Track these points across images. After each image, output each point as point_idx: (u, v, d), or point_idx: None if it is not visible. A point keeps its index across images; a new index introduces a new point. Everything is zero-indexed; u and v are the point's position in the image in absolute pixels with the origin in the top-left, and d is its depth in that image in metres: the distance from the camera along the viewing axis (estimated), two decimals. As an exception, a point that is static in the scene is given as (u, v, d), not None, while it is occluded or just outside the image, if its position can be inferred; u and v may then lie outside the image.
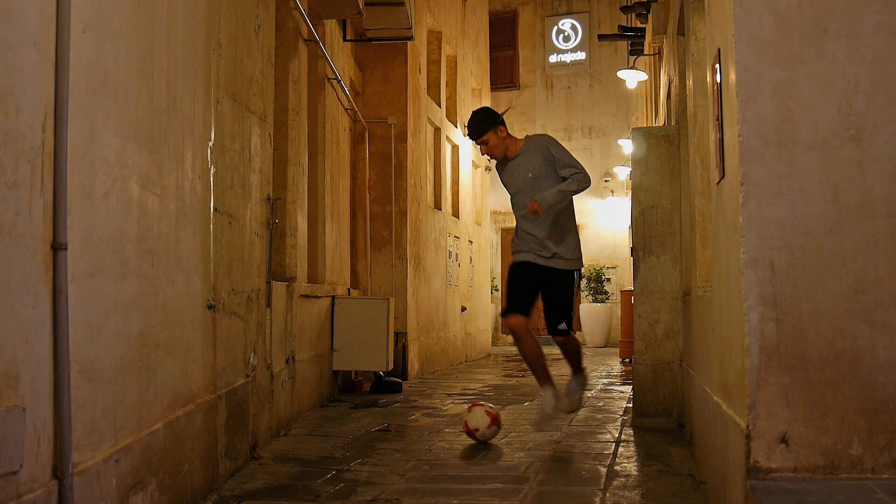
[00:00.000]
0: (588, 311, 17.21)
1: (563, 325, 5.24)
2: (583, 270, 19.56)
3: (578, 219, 18.59)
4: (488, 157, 5.41)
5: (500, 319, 19.30)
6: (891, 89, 2.49)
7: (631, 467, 4.44)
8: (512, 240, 5.38)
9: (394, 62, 9.44)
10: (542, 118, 18.72)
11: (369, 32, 8.59)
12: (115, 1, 2.81)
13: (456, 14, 12.75)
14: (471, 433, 5.10)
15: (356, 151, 9.17)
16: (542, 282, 5.22)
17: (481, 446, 5.07)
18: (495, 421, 5.11)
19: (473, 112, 5.40)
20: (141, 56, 3.02)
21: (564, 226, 5.22)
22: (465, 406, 5.59)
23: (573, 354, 5.44)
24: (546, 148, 5.20)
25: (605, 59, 18.38)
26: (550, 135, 5.49)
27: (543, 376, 5.21)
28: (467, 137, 5.38)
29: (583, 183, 5.13)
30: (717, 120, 3.05)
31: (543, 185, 5.12)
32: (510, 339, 20.06)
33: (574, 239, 5.27)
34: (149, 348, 3.07)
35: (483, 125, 5.21)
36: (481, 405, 5.23)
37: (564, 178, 5.14)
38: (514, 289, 5.21)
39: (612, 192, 17.94)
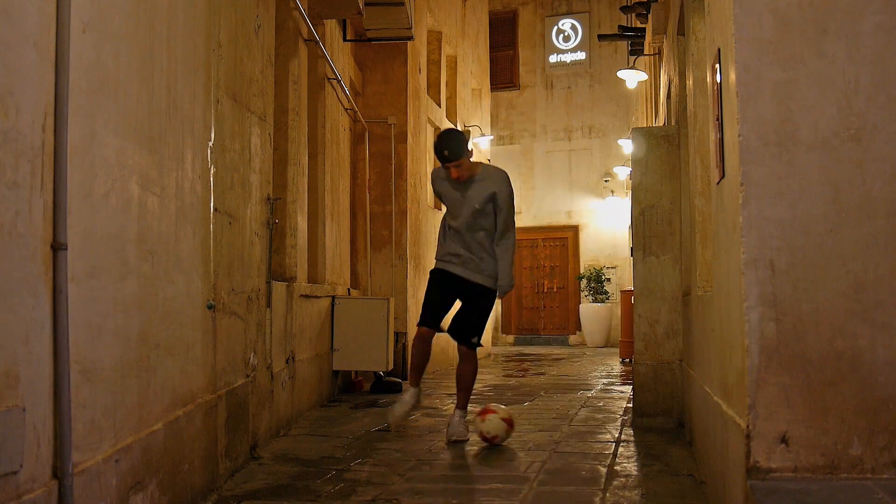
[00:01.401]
0: (588, 311, 17.21)
1: (475, 339, 5.38)
2: (582, 271, 19.24)
3: (577, 220, 18.39)
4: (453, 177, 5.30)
5: (499, 320, 19.28)
6: (891, 89, 2.49)
7: (631, 467, 4.44)
8: (438, 247, 5.49)
9: (394, 62, 9.44)
10: (542, 118, 18.73)
11: (369, 32, 8.59)
12: (115, 1, 2.81)
13: (456, 14, 12.75)
14: (490, 440, 5.08)
15: (356, 151, 9.17)
16: (459, 292, 5.38)
17: (481, 447, 5.06)
18: (511, 424, 5.14)
19: (449, 132, 5.40)
20: (141, 56, 3.02)
21: (488, 250, 5.33)
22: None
23: (468, 376, 5.42)
24: (499, 191, 5.27)
25: (605, 59, 18.38)
26: (507, 173, 5.50)
27: (416, 378, 5.40)
28: (442, 158, 5.25)
29: (513, 249, 5.42)
30: (717, 120, 3.05)
31: (480, 223, 5.28)
32: (510, 339, 19.83)
33: (490, 258, 5.35)
34: (149, 348, 3.07)
35: (462, 147, 5.24)
36: (493, 411, 5.16)
37: (497, 228, 5.32)
38: (430, 299, 5.38)
39: (612, 192, 17.93)
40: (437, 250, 5.50)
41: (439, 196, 5.51)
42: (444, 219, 5.51)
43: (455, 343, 5.47)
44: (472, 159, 5.38)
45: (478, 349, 5.44)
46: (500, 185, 5.30)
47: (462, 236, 5.31)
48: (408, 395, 5.42)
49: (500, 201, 5.28)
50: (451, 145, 5.24)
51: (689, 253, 5.16)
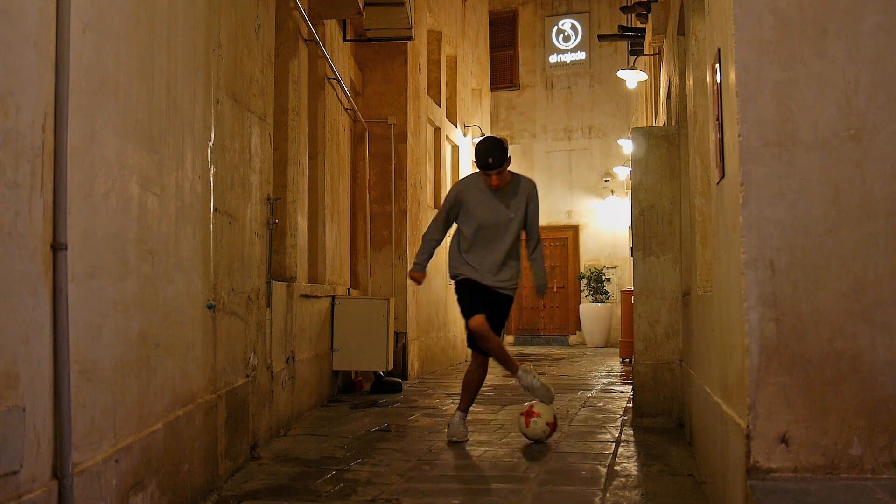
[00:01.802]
0: (588, 311, 17.21)
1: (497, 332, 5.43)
2: (582, 270, 19.25)
3: (577, 220, 18.44)
4: (494, 185, 5.29)
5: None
6: (891, 89, 2.49)
7: (631, 467, 4.44)
8: (450, 260, 5.47)
9: (394, 62, 9.44)
10: (542, 118, 18.73)
11: (369, 32, 8.59)
12: (115, 1, 2.81)
13: (456, 14, 12.75)
14: (529, 413, 5.17)
15: (356, 151, 9.17)
16: (485, 296, 5.34)
17: (480, 447, 5.06)
18: (553, 426, 5.20)
19: (492, 139, 5.33)
20: (141, 56, 3.02)
21: (511, 256, 5.36)
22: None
23: (478, 380, 5.48)
24: (530, 199, 5.36)
25: (605, 59, 18.38)
26: (534, 182, 5.56)
27: (513, 363, 5.46)
28: (485, 165, 5.21)
29: (543, 254, 5.55)
30: (717, 120, 3.05)
31: (512, 230, 5.31)
32: (510, 339, 19.79)
33: (517, 266, 5.41)
34: (149, 348, 3.07)
35: (505, 154, 5.21)
36: (538, 414, 5.18)
37: (530, 236, 5.43)
38: (468, 299, 5.34)
39: (612, 192, 17.94)
40: (454, 262, 5.43)
41: (459, 205, 5.39)
42: (458, 231, 5.43)
43: (465, 348, 5.52)
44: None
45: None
46: (533, 193, 5.39)
47: (490, 244, 5.30)
48: (525, 375, 5.39)
49: (531, 210, 5.36)
50: (495, 152, 5.20)
51: (689, 253, 5.16)
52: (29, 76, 2.22)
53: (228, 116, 4.19)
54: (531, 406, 5.22)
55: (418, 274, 5.68)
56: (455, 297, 5.53)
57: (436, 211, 11.13)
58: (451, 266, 5.49)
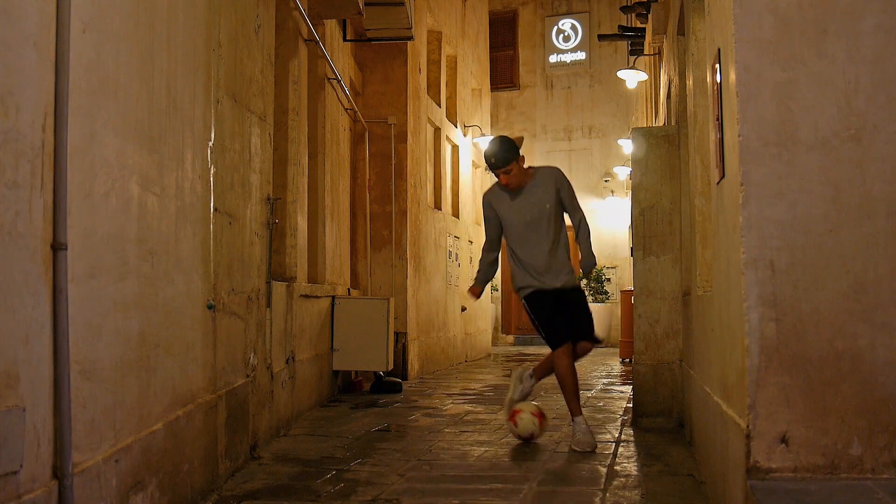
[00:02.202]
0: (588, 311, 17.18)
1: (596, 334, 5.36)
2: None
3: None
4: (506, 186, 5.23)
5: (499, 320, 19.26)
6: (891, 89, 2.49)
7: (631, 467, 4.44)
8: (513, 275, 5.35)
9: (394, 62, 9.44)
10: (542, 118, 18.73)
11: (369, 32, 8.59)
12: (115, 1, 2.81)
13: (456, 14, 12.75)
14: (527, 439, 5.14)
15: (356, 151, 9.17)
16: (560, 301, 5.23)
17: (480, 447, 5.06)
18: (542, 416, 5.19)
19: (498, 140, 5.28)
20: (141, 56, 3.02)
21: (559, 245, 5.28)
22: (463, 406, 5.54)
23: (574, 375, 5.26)
24: (559, 183, 5.27)
25: (605, 59, 18.38)
26: (558, 168, 5.48)
27: (577, 403, 5.16)
28: (490, 167, 5.19)
29: (588, 230, 5.41)
30: (717, 120, 3.05)
31: (551, 222, 5.21)
32: (510, 339, 19.75)
33: (566, 253, 5.32)
34: (149, 348, 3.07)
35: (509, 154, 5.13)
36: (519, 410, 5.17)
37: (572, 219, 5.35)
38: (550, 320, 5.17)
39: (612, 192, 17.94)
40: (518, 276, 5.27)
41: (496, 216, 5.30)
42: (510, 246, 5.31)
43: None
44: (524, 165, 5.25)
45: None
46: (561, 179, 5.30)
47: (540, 245, 5.19)
48: (579, 427, 5.02)
49: (564, 195, 5.27)
50: (499, 153, 5.14)
51: (689, 253, 5.16)
52: (29, 76, 2.22)
53: (228, 116, 4.19)
54: (513, 408, 5.27)
55: (476, 288, 5.63)
56: (529, 312, 5.30)
57: (436, 211, 11.18)
58: (513, 280, 5.35)
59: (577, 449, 4.92)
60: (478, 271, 5.63)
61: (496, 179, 5.30)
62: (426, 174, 10.69)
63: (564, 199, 5.29)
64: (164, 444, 3.19)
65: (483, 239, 5.56)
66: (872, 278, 2.47)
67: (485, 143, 14.60)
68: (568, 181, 5.37)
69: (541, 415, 5.19)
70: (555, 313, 5.17)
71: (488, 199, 5.37)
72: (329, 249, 7.54)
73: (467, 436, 5.47)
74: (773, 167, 2.52)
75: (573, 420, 5.05)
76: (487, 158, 5.19)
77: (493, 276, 5.70)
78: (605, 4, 18.57)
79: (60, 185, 2.35)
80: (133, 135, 2.92)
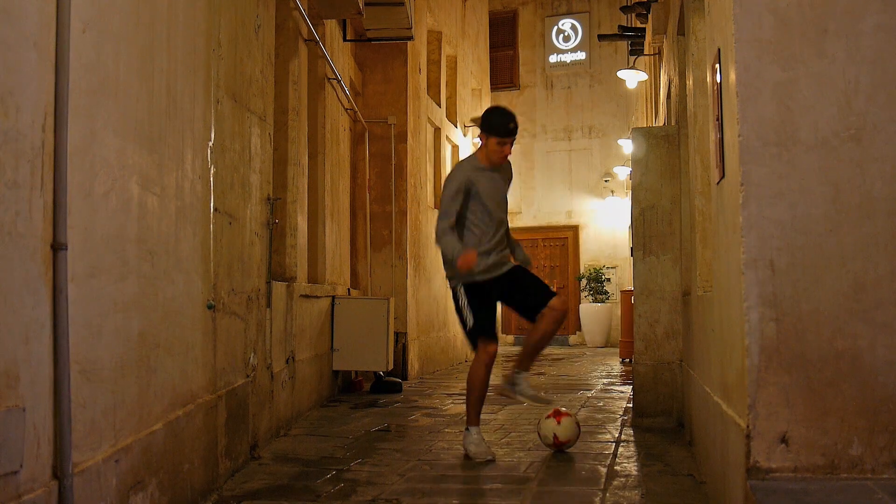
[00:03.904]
0: (588, 311, 17.20)
1: (552, 293, 4.93)
2: (582, 270, 19.05)
3: (577, 219, 18.29)
4: (498, 158, 4.95)
5: (499, 320, 19.31)
6: (891, 89, 2.49)
7: (631, 467, 4.44)
8: (452, 254, 4.78)
9: (394, 62, 9.44)
10: (542, 118, 18.73)
11: (369, 32, 8.59)
12: (115, 1, 2.81)
13: (456, 14, 12.75)
14: (559, 444, 4.83)
15: (356, 151, 9.17)
16: (502, 287, 4.93)
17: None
18: (579, 429, 4.95)
19: (505, 109, 5.11)
20: (141, 56, 3.02)
21: (506, 233, 5.04)
22: (463, 406, 5.43)
23: (548, 336, 4.94)
24: (511, 177, 5.18)
25: (605, 59, 18.38)
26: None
27: (477, 414, 4.84)
28: (506, 132, 4.90)
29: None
30: (717, 120, 3.05)
31: (504, 208, 5.04)
32: (510, 339, 19.68)
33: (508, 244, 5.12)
34: (149, 348, 3.07)
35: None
36: (567, 414, 4.90)
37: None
38: (483, 314, 4.83)
39: (612, 192, 17.93)
40: (469, 262, 4.69)
41: (467, 193, 4.86)
42: (468, 226, 4.89)
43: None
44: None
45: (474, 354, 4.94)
46: (511, 173, 5.18)
47: (496, 230, 4.91)
48: (473, 439, 4.73)
49: (508, 188, 5.12)
50: (515, 119, 4.97)
51: (689, 253, 5.16)
52: (29, 76, 2.22)
53: (228, 116, 4.19)
54: (557, 408, 4.96)
55: (470, 254, 4.70)
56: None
57: (435, 211, 11.16)
58: (451, 262, 4.84)
59: (472, 458, 4.64)
60: (454, 241, 4.80)
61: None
62: (426, 174, 10.69)
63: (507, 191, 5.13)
64: (164, 444, 3.19)
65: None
66: (872, 278, 2.47)
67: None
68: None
69: (577, 424, 4.98)
70: (492, 308, 4.89)
71: (467, 174, 4.90)
72: (329, 249, 7.54)
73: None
74: (773, 167, 2.52)
75: (467, 429, 4.76)
76: (503, 123, 4.86)
77: None
78: (605, 4, 18.57)
79: (60, 185, 2.35)
80: (133, 135, 2.92)
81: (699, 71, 4.36)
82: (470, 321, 4.83)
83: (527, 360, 5.07)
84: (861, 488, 2.36)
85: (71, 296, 2.39)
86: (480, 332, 4.82)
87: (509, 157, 5.09)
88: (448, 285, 5.06)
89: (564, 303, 5.01)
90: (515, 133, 4.97)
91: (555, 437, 4.83)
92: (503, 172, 5.10)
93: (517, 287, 4.97)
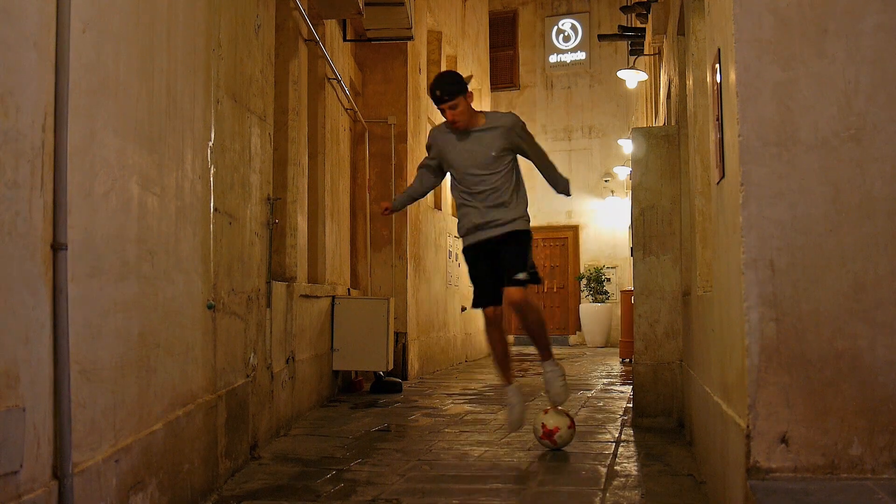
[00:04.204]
0: (588, 311, 17.21)
1: (520, 275, 4.77)
2: (582, 270, 19.01)
3: (577, 220, 18.16)
4: (452, 123, 4.86)
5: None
6: (891, 89, 2.49)
7: (631, 467, 4.44)
8: (458, 223, 5.04)
9: (394, 62, 9.45)
10: (542, 118, 18.73)
11: (369, 32, 8.59)
12: (115, 1, 2.81)
13: (456, 14, 12.74)
14: (549, 434, 4.80)
15: (356, 151, 9.17)
16: (495, 252, 4.91)
17: (480, 447, 5.06)
18: (573, 423, 4.94)
19: (442, 73, 5.07)
20: (141, 56, 3.02)
21: (504, 196, 4.89)
22: (463, 406, 5.51)
23: (535, 326, 4.96)
24: (513, 126, 4.91)
25: (605, 59, 18.38)
26: (514, 113, 5.11)
27: (507, 374, 5.13)
28: (434, 100, 4.83)
29: (553, 165, 5.15)
30: (717, 120, 3.05)
31: (499, 171, 4.85)
32: (510, 339, 19.86)
33: (519, 205, 4.95)
34: (149, 348, 3.07)
35: (455, 86, 4.79)
36: (556, 429, 4.86)
37: (539, 166, 5.07)
38: (476, 278, 5.02)
39: (612, 192, 17.93)
40: (459, 223, 5.02)
41: (436, 154, 5.06)
42: (453, 185, 5.03)
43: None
44: (473, 106, 4.91)
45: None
46: (517, 126, 4.92)
47: (480, 193, 4.85)
48: (510, 395, 5.01)
49: (517, 137, 4.91)
50: (444, 85, 4.80)
51: (689, 253, 5.16)
52: (29, 76, 2.22)
53: (228, 116, 4.19)
54: (544, 427, 4.86)
55: (386, 203, 5.46)
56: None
57: (436, 211, 11.17)
58: (458, 227, 5.08)
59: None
60: (403, 192, 5.37)
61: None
62: (426, 174, 10.67)
63: (528, 150, 4.97)
64: (164, 444, 3.19)
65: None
66: (872, 278, 2.47)
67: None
68: (523, 126, 4.97)
69: (573, 419, 5.03)
70: (486, 269, 4.94)
71: (433, 135, 5.09)
72: (329, 249, 7.54)
73: (467, 436, 5.46)
74: (773, 167, 2.52)
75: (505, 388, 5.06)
76: (431, 90, 4.82)
77: (416, 199, 5.48)
78: (605, 4, 18.57)
79: (60, 185, 2.35)
80: (133, 135, 2.92)
81: (699, 71, 4.36)
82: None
83: (541, 350, 5.27)
84: (861, 488, 2.36)
85: (71, 296, 2.39)
86: (474, 298, 5.11)
87: (508, 112, 5.10)
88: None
89: (521, 294, 4.78)
90: (445, 101, 4.79)
91: (543, 426, 4.86)
92: (482, 135, 4.88)
93: (498, 262, 4.92)
